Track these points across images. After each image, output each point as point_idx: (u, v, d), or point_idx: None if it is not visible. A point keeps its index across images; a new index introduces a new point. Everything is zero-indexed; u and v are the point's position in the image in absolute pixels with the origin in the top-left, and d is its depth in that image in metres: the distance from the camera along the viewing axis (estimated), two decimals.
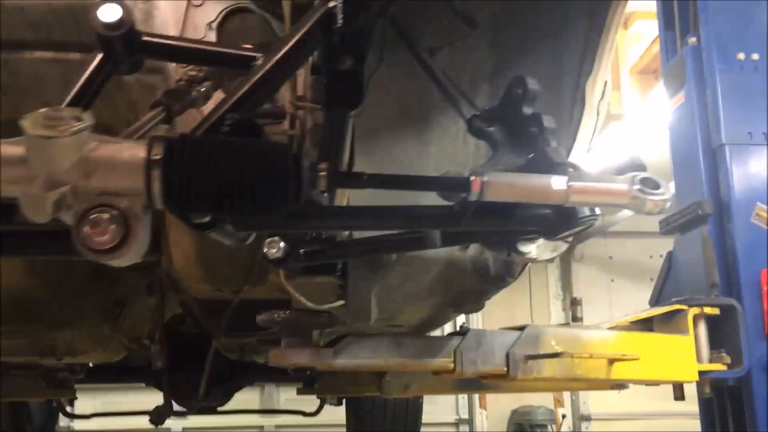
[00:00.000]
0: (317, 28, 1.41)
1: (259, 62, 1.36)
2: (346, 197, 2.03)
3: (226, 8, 2.11)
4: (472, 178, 1.20)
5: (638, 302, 4.67)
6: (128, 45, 1.37)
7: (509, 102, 1.68)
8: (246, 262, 2.19)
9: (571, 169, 1.43)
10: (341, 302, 2.19)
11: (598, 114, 2.29)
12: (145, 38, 1.41)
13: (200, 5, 2.17)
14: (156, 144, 1.11)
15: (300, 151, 1.14)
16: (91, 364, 5.09)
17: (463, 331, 2.68)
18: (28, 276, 3.13)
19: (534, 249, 1.61)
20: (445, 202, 1.50)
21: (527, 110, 1.63)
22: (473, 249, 2.14)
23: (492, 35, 2.24)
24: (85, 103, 1.34)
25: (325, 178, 1.18)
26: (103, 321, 3.89)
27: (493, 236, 1.54)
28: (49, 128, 1.06)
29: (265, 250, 1.68)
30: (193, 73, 1.59)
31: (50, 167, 1.07)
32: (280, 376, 5.21)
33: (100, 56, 1.37)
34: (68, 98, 1.34)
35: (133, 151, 1.10)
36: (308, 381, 4.80)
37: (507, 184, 1.20)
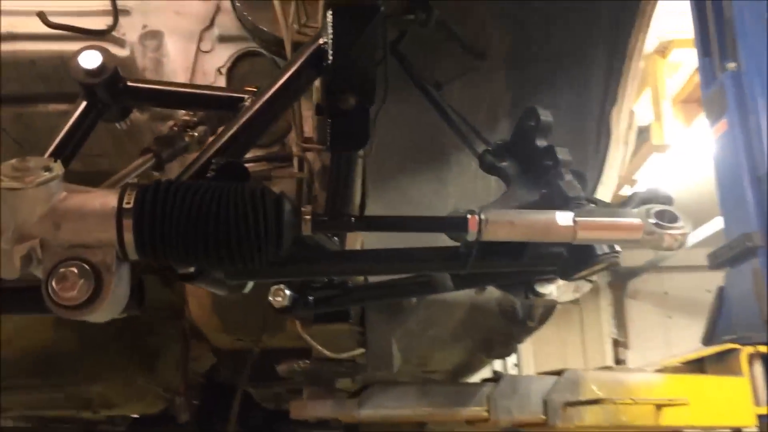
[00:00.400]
0: (308, 66, 1.35)
1: (247, 103, 1.30)
2: (360, 241, 1.95)
3: (235, 53, 2.08)
4: (469, 216, 1.11)
5: (698, 341, 4.43)
6: (112, 91, 1.33)
7: (522, 135, 1.58)
8: (261, 311, 2.12)
9: (587, 203, 1.33)
10: (361, 350, 2.10)
11: (626, 145, 2.17)
12: (129, 84, 1.36)
13: (210, 51, 2.15)
14: (128, 192, 1.05)
15: (281, 195, 1.06)
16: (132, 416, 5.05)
17: (496, 377, 2.55)
18: (55, 329, 3.12)
19: (554, 290, 1.50)
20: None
21: (540, 143, 1.54)
22: (497, 291, 2.03)
23: (509, 66, 2.16)
24: (70, 152, 1.30)
25: (309, 222, 1.10)
26: (137, 372, 3.86)
27: (506, 278, 1.44)
28: (16, 179, 1.02)
29: (270, 298, 1.61)
30: (186, 117, 1.54)
31: (18, 220, 1.02)
32: (318, 425, 5.08)
33: (83, 104, 1.33)
34: (51, 147, 1.30)
35: (105, 200, 1.04)
36: (348, 429, 4.66)
37: (507, 223, 1.10)
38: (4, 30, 2.10)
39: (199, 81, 2.09)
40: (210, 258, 1.06)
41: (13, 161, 1.03)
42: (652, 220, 1.10)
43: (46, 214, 1.03)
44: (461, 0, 1.91)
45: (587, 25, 2.13)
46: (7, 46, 2.10)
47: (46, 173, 1.03)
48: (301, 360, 2.23)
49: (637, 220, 1.10)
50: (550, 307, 2.18)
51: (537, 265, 1.32)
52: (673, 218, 1.11)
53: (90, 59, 1.26)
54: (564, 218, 1.12)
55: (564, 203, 1.34)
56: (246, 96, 1.34)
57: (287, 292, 1.60)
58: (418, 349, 2.19)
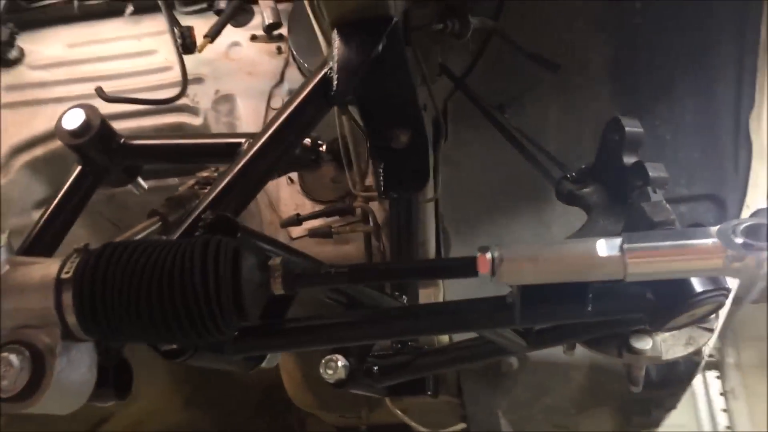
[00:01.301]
0: (315, 98, 1.15)
1: (244, 147, 1.12)
2: (441, 294, 1.69)
3: None
4: (478, 255, 0.84)
5: None
6: (105, 150, 1.21)
7: (607, 154, 1.28)
8: None
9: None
10: (462, 425, 1.81)
11: None
12: (124, 141, 1.24)
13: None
14: (71, 259, 0.89)
15: (239, 247, 0.85)
16: None
17: None
18: (186, 410, 3.08)
19: (657, 344, 1.16)
20: None
21: (628, 159, 1.23)
22: None
23: (615, 79, 1.84)
24: (67, 220, 1.19)
25: (279, 279, 0.88)
26: None
27: (585, 332, 1.12)
28: None
29: (321, 371, 1.39)
30: (205, 174, 1.40)
31: None
32: None
33: (78, 168, 1.23)
34: (44, 216, 1.19)
35: (47, 270, 0.89)
36: None
37: (529, 260, 0.82)
38: None
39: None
40: (161, 331, 0.87)
41: None
42: (739, 240, 0.77)
43: None
44: (536, 0, 1.65)
45: (705, 19, 1.78)
46: None
47: None
48: None
49: (712, 241, 0.78)
50: (693, 364, 1.77)
51: (609, 314, 1.00)
52: None
53: (72, 119, 1.15)
54: (608, 247, 0.81)
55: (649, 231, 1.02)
56: (243, 141, 1.17)
57: (340, 362, 1.38)
58: (532, 421, 1.86)
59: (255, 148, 1.11)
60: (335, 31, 1.09)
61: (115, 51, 2.19)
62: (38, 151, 2.16)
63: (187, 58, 2.01)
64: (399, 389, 1.57)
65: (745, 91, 1.76)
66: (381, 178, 1.42)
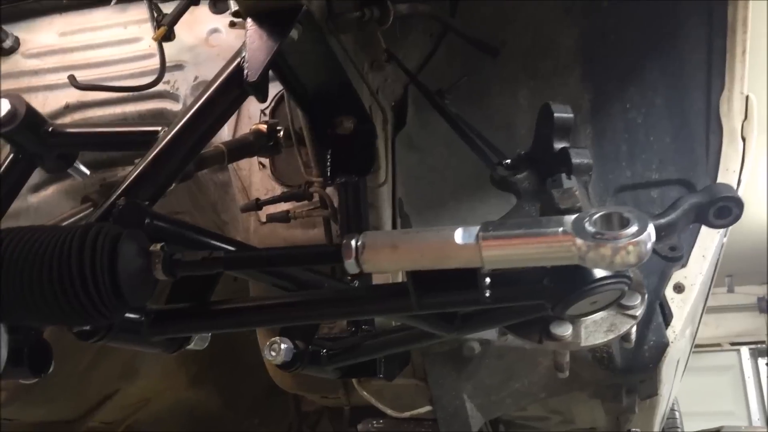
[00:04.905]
0: (231, 87, 1.17)
1: (160, 135, 1.15)
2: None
3: (277, 93, 1.96)
4: (344, 241, 0.84)
5: None
6: (35, 138, 1.25)
7: (540, 139, 1.28)
8: None
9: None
10: (428, 408, 1.83)
11: (743, 139, 1.72)
12: (52, 129, 1.28)
13: None
14: None
15: (119, 231, 0.87)
16: None
17: None
18: (193, 389, 3.15)
19: (578, 331, 1.15)
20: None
21: (557, 145, 1.22)
22: None
23: (582, 65, 1.81)
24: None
25: (160, 265, 0.91)
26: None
27: (501, 318, 1.12)
28: None
29: (264, 353, 1.42)
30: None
31: None
32: None
33: (10, 156, 1.27)
34: None
35: None
36: None
37: (389, 248, 0.82)
38: (75, 100, 2.17)
39: (244, 124, 2.00)
40: (53, 314, 0.91)
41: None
42: (591, 228, 0.76)
43: None
44: None
45: (673, 2, 1.74)
46: (80, 115, 2.17)
47: None
48: (375, 419, 2.00)
49: (562, 230, 0.77)
50: (658, 350, 1.75)
51: (509, 300, 1.00)
52: (624, 222, 0.76)
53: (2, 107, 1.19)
54: (465, 236, 0.82)
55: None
56: (159, 129, 1.20)
57: (283, 345, 1.40)
58: (502, 405, 1.86)
59: (168, 138, 1.14)
60: (248, 20, 1.11)
61: (103, 39, 2.24)
62: None
63: (168, 45, 2.04)
64: (351, 371, 1.59)
65: (715, 73, 1.73)
66: (328, 163, 1.44)
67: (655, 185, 1.80)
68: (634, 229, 0.75)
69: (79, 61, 2.23)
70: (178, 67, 2.12)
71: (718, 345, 9.07)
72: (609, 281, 0.96)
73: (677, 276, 1.70)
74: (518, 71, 1.81)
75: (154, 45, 2.14)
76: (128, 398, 2.87)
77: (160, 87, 2.05)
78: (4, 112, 1.19)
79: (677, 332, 1.72)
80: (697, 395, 7.35)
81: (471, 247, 0.81)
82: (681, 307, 1.70)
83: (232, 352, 2.88)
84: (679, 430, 4.44)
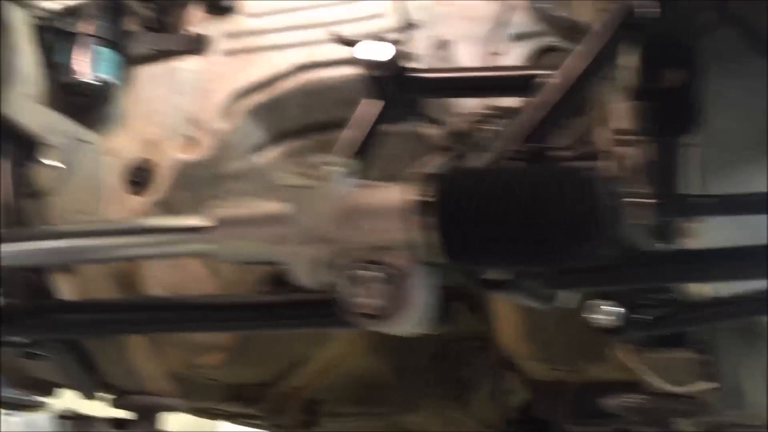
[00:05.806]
0: (618, 34, 1.11)
1: (547, 80, 1.09)
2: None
3: (532, 50, 1.88)
4: None
5: None
6: (399, 85, 1.21)
7: None
8: (581, 334, 1.86)
9: None
10: (711, 384, 1.74)
11: None
12: (410, 74, 1.24)
13: (502, 53, 1.97)
14: (429, 183, 0.89)
15: (611, 179, 0.84)
16: None
17: None
18: (369, 356, 3.13)
19: None
20: None
21: None
22: None
23: None
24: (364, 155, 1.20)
25: (653, 207, 0.85)
26: (451, 404, 3.77)
27: None
28: (304, 177, 0.91)
29: (590, 316, 1.36)
30: (485, 111, 1.37)
31: (308, 221, 0.91)
32: None
33: (382, 103, 1.23)
34: (351, 149, 1.21)
35: (400, 194, 0.90)
36: None
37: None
38: (306, 60, 2.14)
39: None
40: (525, 258, 0.86)
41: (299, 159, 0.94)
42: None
43: (337, 214, 0.91)
44: None
45: None
46: (310, 75, 2.14)
47: (336, 168, 0.92)
48: (631, 394, 1.92)
49: None
50: None
51: None
52: None
53: (378, 51, 1.15)
54: None
55: None
56: (541, 72, 1.14)
57: (614, 308, 1.34)
58: None
59: (564, 83, 1.08)
60: None
61: None
62: (259, 97, 2.21)
63: (402, 4, 2.01)
64: (656, 343, 1.52)
65: None
66: (652, 117, 1.37)
67: None
68: None
69: (307, 21, 2.20)
70: (414, 26, 2.06)
71: None
72: None
73: None
74: None
75: (387, 4, 2.10)
76: (317, 364, 2.88)
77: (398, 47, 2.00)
78: (389, 56, 1.14)
79: None
80: None
81: None
82: None
83: None
84: None
